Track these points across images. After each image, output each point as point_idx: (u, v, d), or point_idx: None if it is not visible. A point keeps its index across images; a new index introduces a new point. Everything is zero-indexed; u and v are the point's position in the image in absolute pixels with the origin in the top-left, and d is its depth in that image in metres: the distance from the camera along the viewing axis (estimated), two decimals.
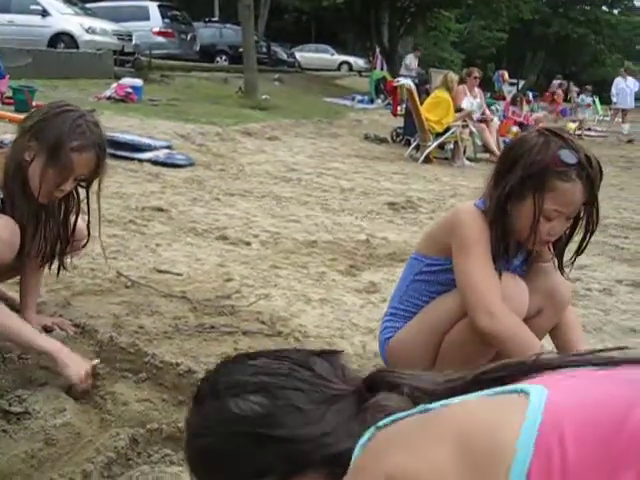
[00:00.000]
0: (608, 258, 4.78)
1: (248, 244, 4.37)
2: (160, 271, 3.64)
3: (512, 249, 2.26)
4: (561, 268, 2.35)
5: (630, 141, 16.02)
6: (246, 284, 3.54)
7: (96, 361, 2.40)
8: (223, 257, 4.02)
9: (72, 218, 2.70)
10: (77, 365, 2.30)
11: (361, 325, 3.13)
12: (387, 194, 6.80)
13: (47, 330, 2.69)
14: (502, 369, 0.94)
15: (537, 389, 0.81)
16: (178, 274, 3.61)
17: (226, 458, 1.00)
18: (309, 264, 4.03)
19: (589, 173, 2.06)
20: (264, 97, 15.11)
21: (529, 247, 2.27)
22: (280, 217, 5.26)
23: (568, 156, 2.06)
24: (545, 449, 0.74)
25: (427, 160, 9.88)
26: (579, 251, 2.28)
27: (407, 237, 4.93)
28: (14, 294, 2.92)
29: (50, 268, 2.75)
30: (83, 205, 2.70)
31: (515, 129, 12.08)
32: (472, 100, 11.19)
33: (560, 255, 2.35)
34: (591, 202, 2.13)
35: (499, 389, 0.86)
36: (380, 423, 0.90)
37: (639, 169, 11.07)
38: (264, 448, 0.97)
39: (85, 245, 2.77)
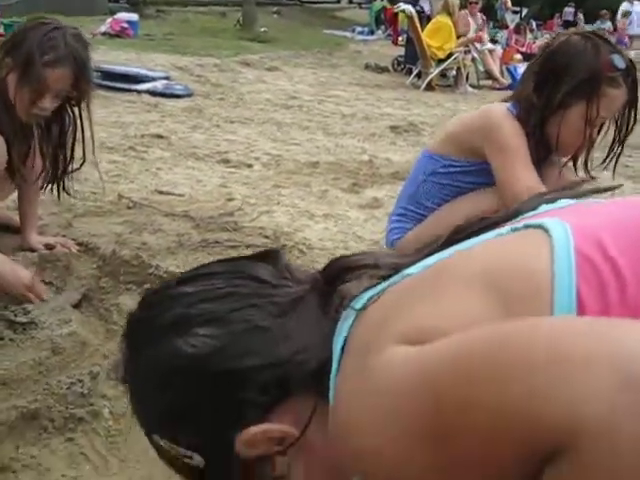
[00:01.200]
0: (617, 174, 4.73)
1: (250, 166, 4.32)
2: (162, 192, 3.61)
3: (542, 158, 2.20)
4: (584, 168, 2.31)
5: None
6: (249, 202, 3.51)
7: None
8: (225, 179, 3.98)
9: (70, 139, 2.64)
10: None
11: (366, 237, 3.11)
12: (389, 119, 6.72)
13: (49, 248, 2.67)
14: (480, 222, 0.85)
15: (552, 220, 0.74)
16: (180, 195, 3.59)
17: (192, 411, 0.83)
18: (312, 183, 4.00)
19: (634, 77, 2.02)
20: (263, 30, 14.84)
21: (563, 155, 2.22)
22: (281, 141, 5.20)
23: (619, 61, 2.01)
24: (590, 267, 0.67)
25: (429, 87, 9.73)
26: (615, 147, 2.21)
27: (410, 157, 4.86)
28: (15, 215, 2.90)
29: (52, 191, 2.71)
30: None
31: (518, 57, 11.87)
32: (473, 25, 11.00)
33: (574, 159, 2.30)
34: (632, 104, 2.08)
35: (507, 229, 0.79)
36: (356, 305, 0.80)
37: None
38: (235, 385, 0.81)
39: (81, 166, 2.69)
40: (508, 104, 2.24)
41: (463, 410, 0.59)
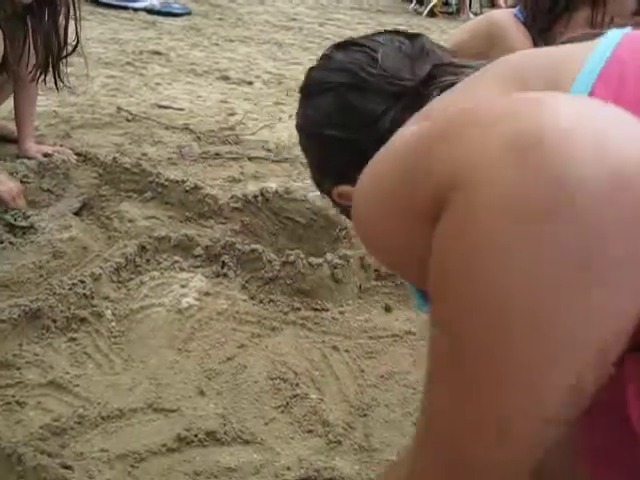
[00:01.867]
0: None
1: (250, 83, 4.23)
2: (161, 106, 3.53)
3: None
4: None
5: None
6: (250, 117, 3.44)
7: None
8: (225, 94, 3.90)
9: (62, 22, 2.55)
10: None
11: None
12: None
13: (47, 156, 2.62)
14: None
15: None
16: (180, 109, 3.51)
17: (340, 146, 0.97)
18: None
19: None
20: None
21: None
22: (282, 60, 5.08)
23: None
24: (617, 69, 0.66)
25: (432, 14, 9.50)
26: None
27: None
28: (11, 124, 2.83)
29: (45, 82, 2.62)
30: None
31: None
32: None
33: None
34: None
35: None
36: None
37: None
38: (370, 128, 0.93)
39: (75, 49, 2.58)
40: (515, 9, 2.16)
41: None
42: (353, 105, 0.96)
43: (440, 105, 0.81)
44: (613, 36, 0.71)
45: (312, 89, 1.05)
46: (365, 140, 0.89)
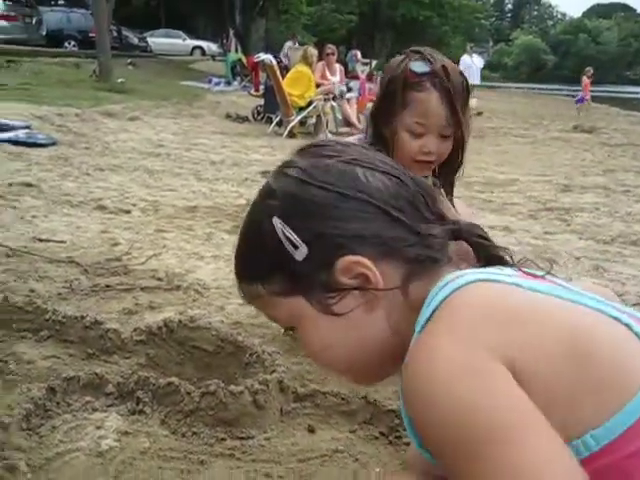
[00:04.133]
0: (478, 209, 5.00)
1: (128, 212, 4.24)
2: (41, 240, 3.47)
3: None
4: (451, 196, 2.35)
5: (479, 114, 16.73)
6: (134, 247, 3.44)
7: None
8: (105, 224, 3.88)
9: None
10: None
11: None
12: (258, 164, 6.79)
13: None
14: None
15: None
16: (61, 242, 3.46)
17: (334, 214, 0.94)
18: (194, 226, 3.97)
19: (443, 81, 2.04)
20: (120, 80, 14.62)
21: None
22: (155, 187, 5.13)
23: (419, 66, 2.07)
24: None
25: (291, 135, 9.93)
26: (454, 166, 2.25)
27: None
28: None
29: None
30: None
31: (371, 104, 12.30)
32: (332, 78, 11.38)
33: (451, 185, 2.36)
34: (455, 115, 2.08)
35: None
36: (473, 277, 0.89)
37: (490, 137, 11.62)
38: (376, 221, 0.94)
39: None
40: (361, 135, 2.35)
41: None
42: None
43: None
44: None
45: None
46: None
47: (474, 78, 18.44)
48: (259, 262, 0.98)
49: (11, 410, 1.85)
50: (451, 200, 2.36)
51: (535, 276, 0.94)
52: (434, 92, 2.06)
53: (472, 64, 18.53)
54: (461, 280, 0.87)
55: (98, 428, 1.78)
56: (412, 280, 0.93)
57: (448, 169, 2.26)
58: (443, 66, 2.07)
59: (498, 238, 4.07)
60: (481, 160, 7.99)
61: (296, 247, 0.93)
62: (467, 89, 2.12)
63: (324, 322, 0.95)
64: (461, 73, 2.15)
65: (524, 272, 0.95)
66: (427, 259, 0.94)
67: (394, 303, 0.94)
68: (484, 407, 0.76)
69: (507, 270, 0.94)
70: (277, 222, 0.94)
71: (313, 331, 0.97)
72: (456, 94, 2.07)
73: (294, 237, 0.93)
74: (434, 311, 0.86)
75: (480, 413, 0.76)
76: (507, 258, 0.98)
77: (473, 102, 18.09)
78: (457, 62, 19.57)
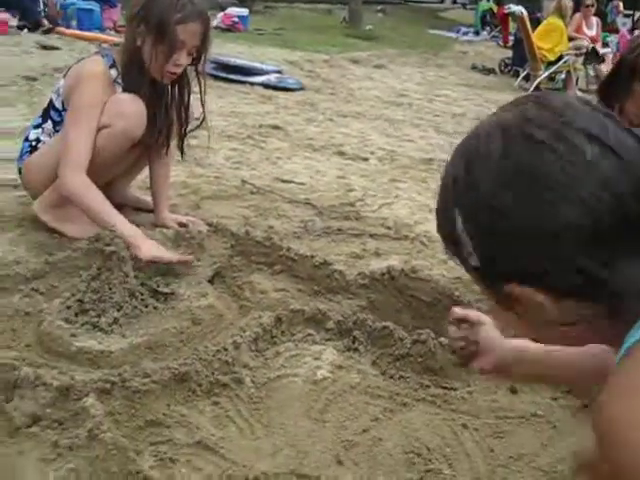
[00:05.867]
0: None
1: (365, 159, 4.40)
2: (283, 181, 3.72)
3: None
4: None
5: None
6: (368, 194, 3.59)
7: (190, 257, 2.49)
8: (343, 170, 4.07)
9: (186, 98, 2.83)
10: (148, 248, 2.39)
11: None
12: None
13: (182, 226, 2.82)
14: None
15: None
16: (301, 183, 3.69)
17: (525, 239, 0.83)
18: (428, 179, 4.04)
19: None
20: (368, 27, 14.90)
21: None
22: (394, 137, 5.26)
23: None
24: None
25: (537, 90, 9.60)
26: None
27: None
28: (148, 198, 3.05)
29: (182, 155, 2.93)
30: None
31: None
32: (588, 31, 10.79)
33: None
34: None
35: None
36: None
37: None
38: (583, 250, 0.81)
39: (202, 123, 2.87)
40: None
41: None
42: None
43: None
44: None
45: None
46: None
47: None
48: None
49: (243, 332, 2.07)
50: None
51: None
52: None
53: None
54: None
55: (315, 359, 1.95)
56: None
57: None
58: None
59: None
60: None
61: None
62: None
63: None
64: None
65: None
66: None
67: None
68: None
69: None
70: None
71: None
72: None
73: None
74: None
75: None
76: None
77: None
78: None
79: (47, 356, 1.98)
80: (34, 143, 2.78)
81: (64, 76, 2.78)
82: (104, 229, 2.30)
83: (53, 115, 2.77)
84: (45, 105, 2.84)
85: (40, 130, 2.79)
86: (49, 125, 2.78)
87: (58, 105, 2.75)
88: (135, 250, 2.34)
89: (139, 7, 2.60)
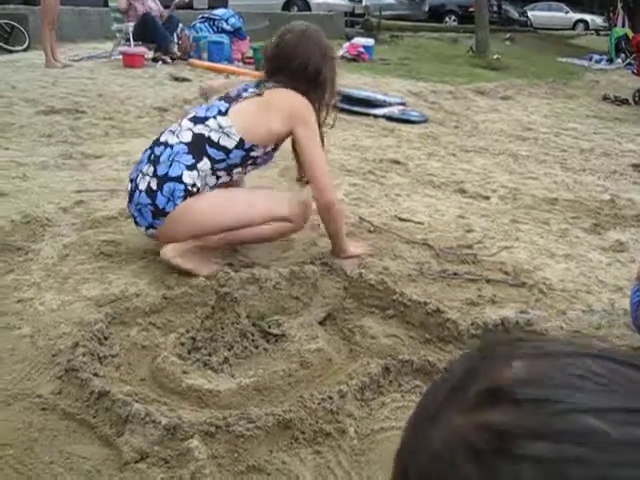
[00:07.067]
0: None
1: (487, 198, 4.31)
2: (401, 219, 3.69)
3: None
4: None
5: None
6: (487, 235, 3.50)
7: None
8: (462, 209, 4.00)
9: None
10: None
11: (608, 282, 2.99)
12: (631, 155, 6.38)
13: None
14: None
15: None
16: (419, 222, 3.65)
17: None
18: (550, 220, 3.91)
19: None
20: (496, 56, 14.69)
21: None
22: (518, 174, 5.12)
23: None
24: None
25: None
26: None
27: None
28: None
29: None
30: None
31: None
32: None
33: None
34: None
35: None
36: None
37: None
38: None
39: None
40: None
41: None
42: None
43: None
44: None
45: None
46: None
47: None
48: None
49: (350, 379, 2.05)
50: None
51: None
52: None
53: None
54: None
55: None
56: None
57: None
58: None
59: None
60: None
61: None
62: None
63: None
64: None
65: None
66: None
67: None
68: None
69: None
70: None
71: None
72: None
73: None
74: None
75: None
76: None
77: None
78: None
79: (159, 391, 2.03)
80: (190, 187, 2.72)
81: (225, 113, 2.79)
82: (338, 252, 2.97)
83: (212, 153, 2.75)
84: (187, 140, 2.76)
85: (196, 173, 2.73)
86: (205, 165, 2.74)
87: (224, 143, 2.76)
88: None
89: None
